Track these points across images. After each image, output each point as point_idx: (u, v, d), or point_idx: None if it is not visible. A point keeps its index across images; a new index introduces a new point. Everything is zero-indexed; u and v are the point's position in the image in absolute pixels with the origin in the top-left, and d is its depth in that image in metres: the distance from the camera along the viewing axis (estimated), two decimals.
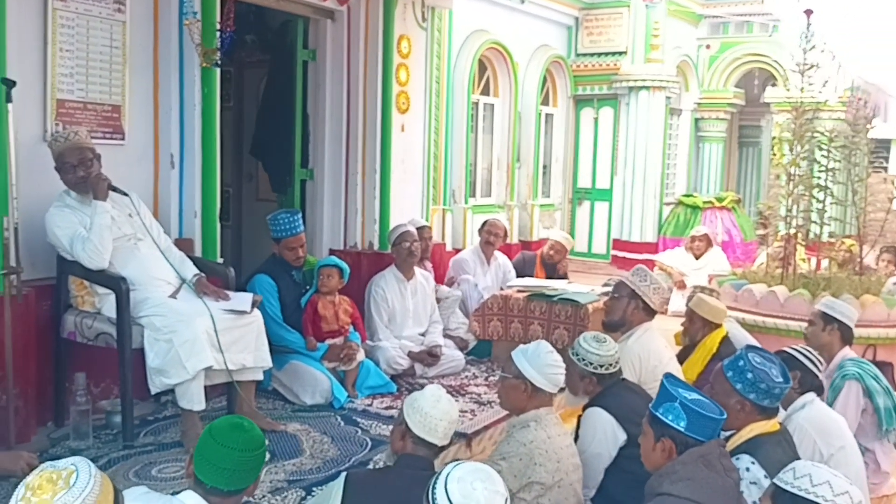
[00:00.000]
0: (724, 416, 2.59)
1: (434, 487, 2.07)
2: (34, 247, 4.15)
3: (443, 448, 2.93)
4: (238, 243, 7.55)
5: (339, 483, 2.78)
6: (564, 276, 7.08)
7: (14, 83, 3.79)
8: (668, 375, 2.69)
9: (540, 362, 3.17)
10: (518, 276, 6.90)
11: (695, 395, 2.60)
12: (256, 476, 2.41)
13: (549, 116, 10.63)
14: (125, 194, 4.31)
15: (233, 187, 7.51)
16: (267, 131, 6.93)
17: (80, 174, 4.08)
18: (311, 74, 6.43)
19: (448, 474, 2.07)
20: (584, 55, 10.79)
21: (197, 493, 2.29)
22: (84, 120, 4.48)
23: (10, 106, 3.83)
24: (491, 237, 6.89)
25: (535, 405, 3.17)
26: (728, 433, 2.89)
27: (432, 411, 2.80)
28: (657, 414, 2.57)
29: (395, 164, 6.56)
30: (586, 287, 6.39)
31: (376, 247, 6.50)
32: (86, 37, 4.47)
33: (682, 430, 2.51)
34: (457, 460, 2.22)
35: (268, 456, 2.58)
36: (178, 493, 2.37)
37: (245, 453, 2.31)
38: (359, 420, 4.69)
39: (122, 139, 4.69)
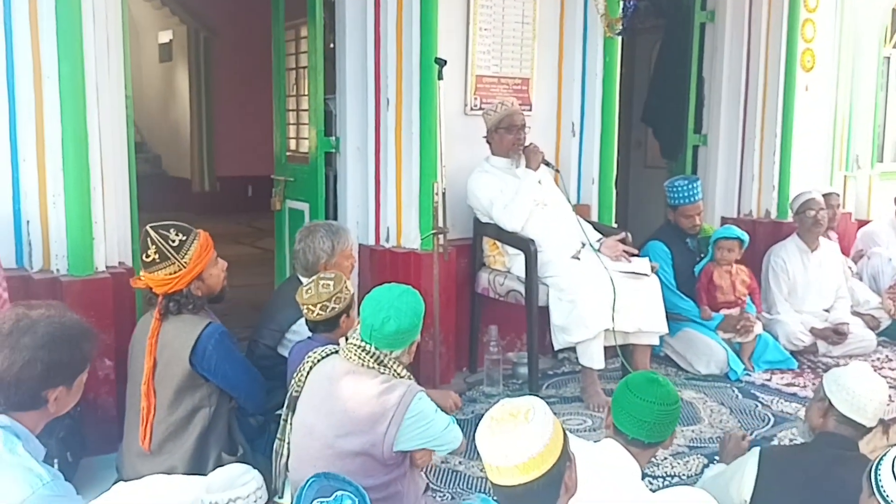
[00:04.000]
0: None
1: (878, 469, 1.94)
2: (455, 210, 4.60)
3: (870, 429, 2.72)
4: (624, 210, 7.64)
5: (753, 456, 2.72)
6: None
7: (445, 62, 4.21)
8: None
9: None
10: None
11: None
12: (672, 430, 2.46)
13: None
14: (557, 170, 4.63)
15: (620, 154, 7.58)
16: (659, 97, 6.88)
17: (512, 142, 4.43)
18: (709, 36, 6.24)
19: None
20: None
21: (617, 441, 2.41)
22: (498, 93, 4.84)
23: (440, 83, 4.27)
24: None
25: None
26: None
27: (859, 389, 2.62)
28: None
29: (797, 126, 6.13)
30: None
31: (773, 215, 6.16)
32: (501, 15, 4.82)
33: None
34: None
35: None
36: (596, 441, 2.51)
37: (663, 407, 2.37)
38: (758, 394, 4.52)
39: (530, 110, 4.98)
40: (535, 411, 1.80)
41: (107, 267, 3.61)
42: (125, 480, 2.89)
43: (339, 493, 2.11)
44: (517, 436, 1.76)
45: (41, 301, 2.13)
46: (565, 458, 1.81)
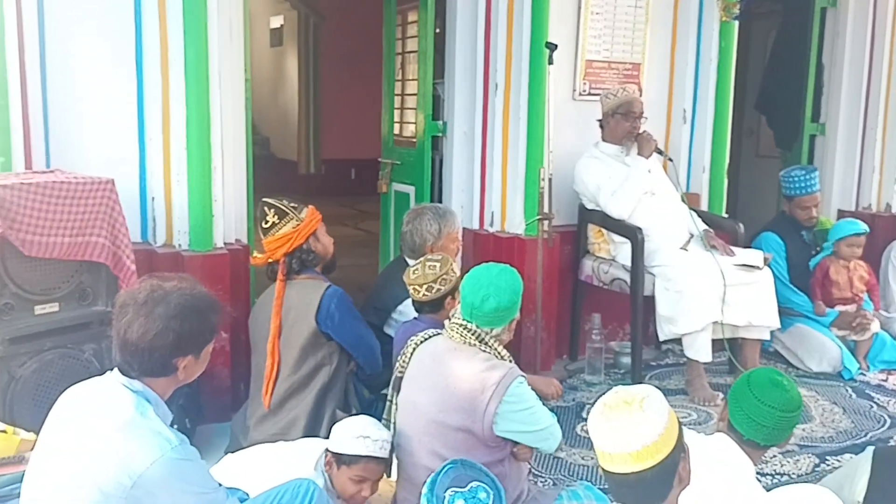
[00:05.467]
0: None
1: None
2: (561, 196, 4.56)
3: None
4: (734, 200, 7.41)
5: (867, 458, 2.61)
6: None
7: (556, 46, 4.18)
8: None
9: None
10: None
11: None
12: (790, 434, 2.39)
13: None
14: (669, 159, 4.56)
15: (732, 143, 7.36)
16: (774, 84, 6.63)
17: (628, 129, 4.37)
18: (830, 21, 5.96)
19: None
20: None
21: (731, 438, 2.35)
22: (608, 78, 4.77)
23: (550, 68, 4.24)
24: None
25: None
26: None
27: None
28: None
29: None
30: None
31: (895, 209, 5.86)
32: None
33: None
34: None
35: None
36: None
37: (784, 413, 2.29)
38: (873, 395, 4.34)
39: (641, 95, 4.88)
40: (650, 399, 1.78)
41: (225, 243, 3.75)
42: (243, 444, 3.05)
43: (474, 483, 2.12)
44: (631, 423, 1.75)
45: (173, 273, 2.23)
46: (680, 448, 1.79)
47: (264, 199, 3.29)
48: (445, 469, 2.16)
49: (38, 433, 2.09)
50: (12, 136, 3.32)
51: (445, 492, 2.10)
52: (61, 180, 3.04)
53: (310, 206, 3.36)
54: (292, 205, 3.28)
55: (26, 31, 3.38)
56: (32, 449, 2.26)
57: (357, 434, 2.57)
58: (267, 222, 3.24)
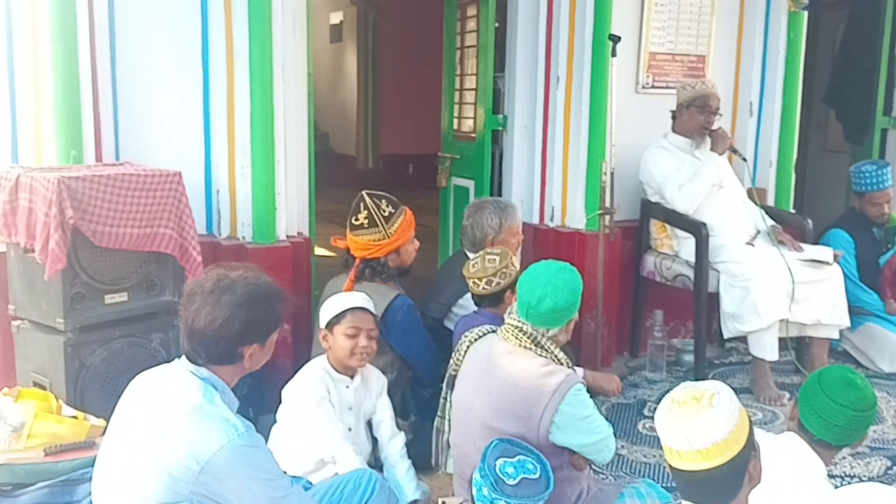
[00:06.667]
0: None
1: None
2: (622, 190, 4.49)
3: None
4: (801, 195, 7.21)
5: None
6: None
7: (619, 38, 4.12)
8: None
9: None
10: None
11: None
12: (863, 434, 2.31)
13: None
14: (744, 159, 4.47)
15: (799, 137, 7.17)
16: (844, 77, 6.43)
17: (702, 123, 4.29)
18: None
19: None
20: None
21: (801, 437, 2.29)
22: (671, 71, 4.70)
23: (613, 60, 4.18)
24: None
25: None
26: None
27: None
28: None
29: None
30: None
31: None
32: None
33: None
34: None
35: None
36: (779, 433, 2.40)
37: (857, 413, 2.22)
38: None
39: None
40: (720, 396, 1.74)
41: (287, 236, 3.80)
42: None
43: (520, 456, 2.16)
44: (700, 420, 1.71)
45: (239, 263, 2.26)
46: (750, 446, 1.74)
47: (365, 193, 3.30)
48: (494, 444, 2.20)
49: (107, 419, 2.14)
50: (84, 129, 3.39)
51: (496, 461, 2.14)
52: (130, 173, 3.10)
53: (406, 214, 3.35)
54: (389, 211, 3.27)
55: (97, 26, 3.46)
56: (102, 435, 2.32)
57: (337, 299, 2.87)
58: (357, 220, 3.27)
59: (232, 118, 3.67)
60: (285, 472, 2.09)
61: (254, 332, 2.04)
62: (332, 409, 2.80)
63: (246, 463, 1.92)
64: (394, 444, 2.98)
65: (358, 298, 2.88)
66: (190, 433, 1.90)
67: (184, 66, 3.67)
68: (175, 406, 1.95)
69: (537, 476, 2.17)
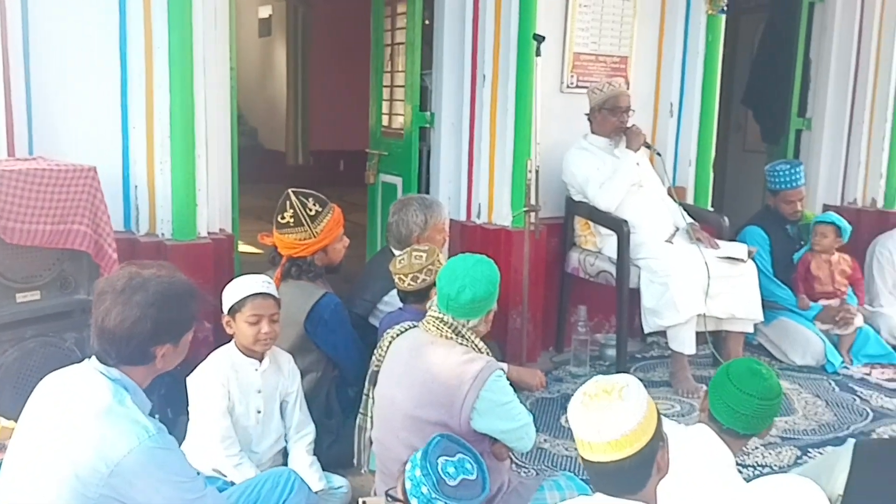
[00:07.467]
0: None
1: None
2: (548, 188, 4.57)
3: None
4: (720, 194, 7.43)
5: (847, 451, 2.62)
6: None
7: (543, 38, 4.17)
8: None
9: None
10: None
11: None
12: (770, 423, 2.40)
13: None
14: (658, 153, 4.56)
15: (718, 137, 7.37)
16: (761, 79, 6.66)
17: (615, 124, 4.37)
18: (818, 16, 5.97)
19: None
20: None
21: (711, 428, 2.36)
22: (595, 71, 4.77)
23: (537, 60, 4.23)
24: None
25: None
26: None
27: None
28: None
29: None
30: None
31: (880, 204, 5.89)
32: None
33: None
34: None
35: None
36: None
37: (763, 401, 2.30)
38: (856, 388, 4.37)
39: (628, 89, 4.87)
40: (629, 388, 1.78)
41: (208, 233, 3.74)
42: None
43: (460, 455, 2.17)
44: (611, 412, 1.75)
45: (152, 261, 2.22)
46: (658, 437, 1.79)
47: (291, 191, 3.25)
48: (436, 440, 2.21)
49: (18, 421, 2.08)
50: None
51: (438, 458, 2.15)
52: (43, 167, 3.01)
53: (334, 212, 3.31)
54: (315, 210, 3.23)
55: (9, 16, 3.35)
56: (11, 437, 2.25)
57: (238, 284, 2.85)
58: (283, 219, 3.23)
59: (151, 111, 3.59)
60: (199, 473, 2.06)
61: (166, 331, 2.00)
62: (232, 416, 2.80)
63: (157, 465, 1.88)
64: (302, 439, 2.97)
65: (258, 283, 2.84)
66: (99, 435, 1.85)
67: (101, 58, 3.58)
68: (83, 408, 1.90)
69: (475, 477, 2.18)
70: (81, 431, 1.86)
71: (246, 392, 2.85)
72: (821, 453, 3.49)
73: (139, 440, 1.86)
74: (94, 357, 2.01)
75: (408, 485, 2.20)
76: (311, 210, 3.22)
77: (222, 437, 2.76)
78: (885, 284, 5.17)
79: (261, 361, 2.88)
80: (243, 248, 4.24)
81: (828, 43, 5.92)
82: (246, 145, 11.05)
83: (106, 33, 3.56)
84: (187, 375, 2.91)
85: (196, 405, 2.83)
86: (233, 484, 2.58)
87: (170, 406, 3.28)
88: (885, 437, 3.67)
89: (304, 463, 2.91)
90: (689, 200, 5.05)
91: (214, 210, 3.82)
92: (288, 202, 3.22)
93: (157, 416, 3.07)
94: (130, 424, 1.89)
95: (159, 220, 3.65)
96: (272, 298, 2.84)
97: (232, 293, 2.85)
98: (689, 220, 4.44)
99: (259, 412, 2.87)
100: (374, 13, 5.21)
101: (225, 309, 2.85)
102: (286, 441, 2.98)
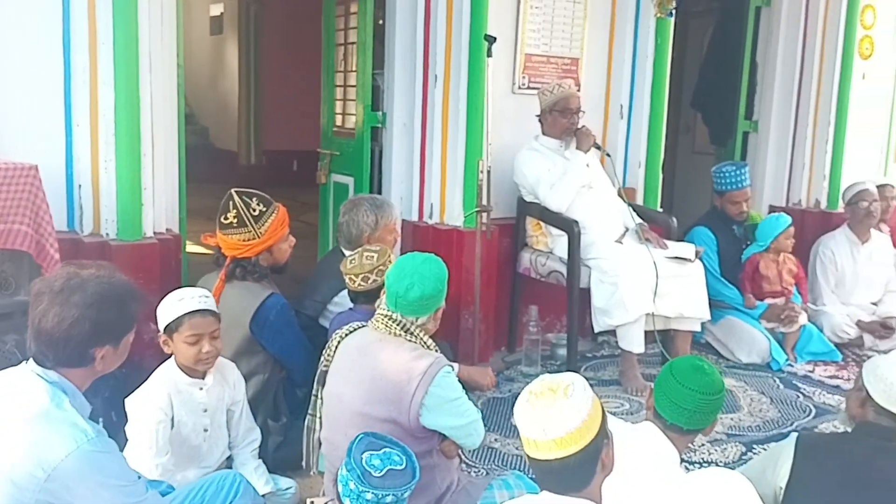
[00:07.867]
0: None
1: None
2: (499, 188, 4.58)
3: None
4: (670, 195, 7.54)
5: (790, 444, 2.67)
6: None
7: (495, 39, 4.18)
8: None
9: None
10: None
11: None
12: (714, 419, 2.43)
13: None
14: (607, 154, 4.60)
15: (668, 139, 7.49)
16: (710, 82, 6.77)
17: (566, 126, 4.40)
18: (764, 21, 6.10)
19: None
20: None
21: (656, 425, 2.39)
22: (546, 73, 4.80)
23: (489, 60, 4.24)
24: None
25: None
26: None
27: None
28: None
29: (851, 115, 5.97)
30: None
31: (823, 205, 6.03)
32: None
33: None
34: None
35: None
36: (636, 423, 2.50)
37: (705, 396, 2.34)
38: (799, 385, 4.47)
39: (578, 91, 4.92)
40: (574, 387, 1.80)
41: (155, 233, 3.67)
42: None
43: (386, 449, 2.16)
44: (556, 410, 1.76)
45: (91, 261, 2.17)
46: (603, 435, 1.81)
47: (234, 191, 3.18)
48: (359, 438, 2.21)
49: None
50: None
51: (362, 454, 2.14)
52: None
53: (279, 212, 3.25)
54: (259, 210, 3.16)
55: None
56: None
57: (173, 301, 2.71)
58: (226, 219, 3.16)
59: (95, 108, 3.51)
60: (140, 477, 2.02)
61: (106, 333, 1.96)
62: (180, 436, 2.73)
63: (96, 469, 1.84)
64: (248, 445, 2.94)
65: (195, 299, 2.71)
66: (35, 439, 1.81)
67: (43, 53, 3.49)
68: (20, 411, 1.86)
69: (403, 467, 2.18)
70: (17, 436, 1.82)
71: (192, 412, 2.77)
72: (765, 449, 3.55)
73: (77, 444, 1.83)
74: (31, 359, 1.97)
75: (339, 487, 2.20)
76: (254, 210, 3.17)
77: (156, 465, 2.66)
78: (828, 284, 5.29)
79: (204, 378, 2.80)
80: (191, 248, 4.17)
81: (773, 47, 6.05)
82: (196, 144, 10.94)
83: (49, 27, 3.47)
84: (133, 377, 2.86)
85: (133, 432, 2.72)
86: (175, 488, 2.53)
87: (114, 409, 3.21)
88: (828, 432, 3.74)
89: (249, 467, 2.87)
90: (639, 201, 5.11)
91: (161, 210, 3.75)
92: (231, 202, 3.16)
93: (100, 419, 3.02)
94: (68, 428, 1.85)
95: (104, 219, 3.56)
96: (211, 314, 2.72)
97: (167, 311, 2.71)
98: (639, 220, 4.50)
99: (206, 430, 2.82)
100: (326, 12, 5.18)
101: (161, 327, 2.72)
102: (230, 448, 2.93)
